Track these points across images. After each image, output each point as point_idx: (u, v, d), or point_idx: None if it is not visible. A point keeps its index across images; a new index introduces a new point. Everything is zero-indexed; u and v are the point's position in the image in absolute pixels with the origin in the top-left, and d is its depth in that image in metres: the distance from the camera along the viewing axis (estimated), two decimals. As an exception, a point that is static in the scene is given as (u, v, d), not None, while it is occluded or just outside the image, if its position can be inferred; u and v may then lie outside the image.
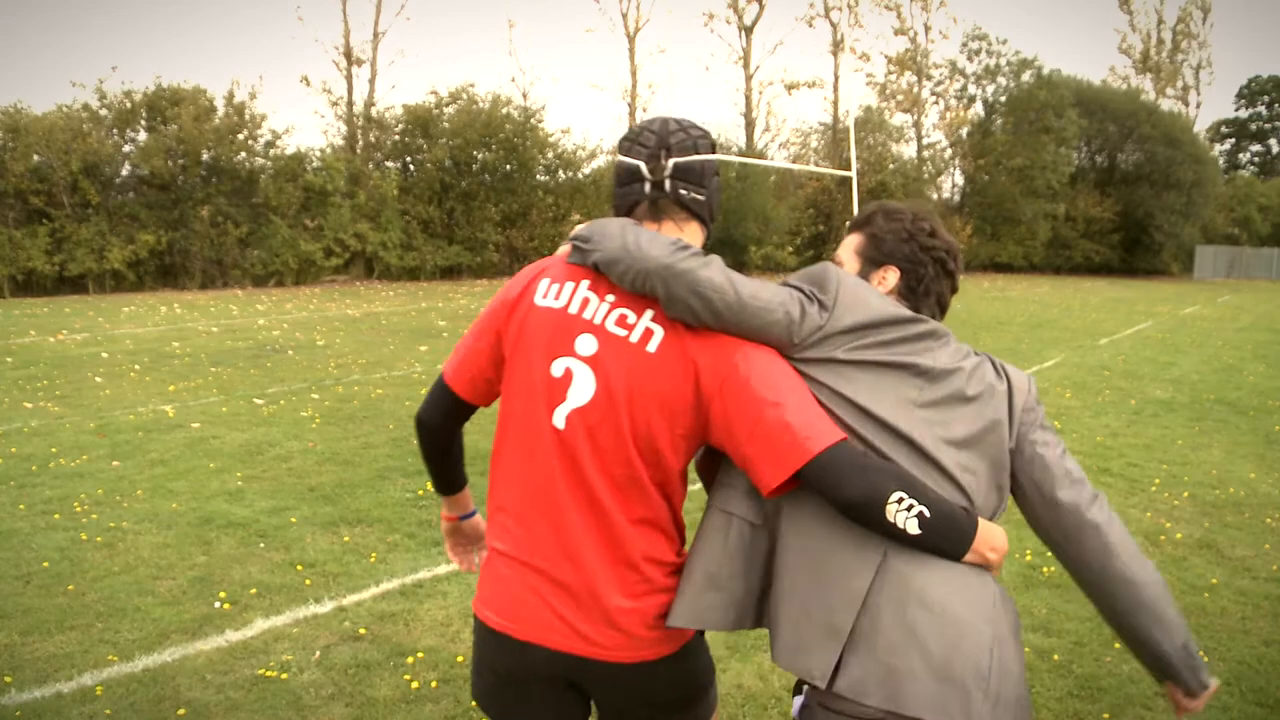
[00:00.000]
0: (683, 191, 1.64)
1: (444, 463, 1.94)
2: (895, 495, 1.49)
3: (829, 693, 1.54)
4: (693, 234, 1.68)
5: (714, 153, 1.69)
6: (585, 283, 1.63)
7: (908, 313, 1.64)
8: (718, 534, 1.67)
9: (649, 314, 1.58)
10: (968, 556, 1.58)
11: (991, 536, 1.62)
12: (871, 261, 1.76)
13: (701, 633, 1.79)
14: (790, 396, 1.53)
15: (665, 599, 1.67)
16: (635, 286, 1.55)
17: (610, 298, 1.60)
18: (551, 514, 1.63)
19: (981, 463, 1.65)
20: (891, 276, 1.74)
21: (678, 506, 1.75)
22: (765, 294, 1.56)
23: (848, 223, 1.84)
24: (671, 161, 1.63)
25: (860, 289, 1.63)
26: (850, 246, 1.80)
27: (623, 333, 1.58)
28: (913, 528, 1.50)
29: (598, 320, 1.60)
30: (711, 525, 1.69)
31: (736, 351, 1.55)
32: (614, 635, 1.63)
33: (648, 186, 1.64)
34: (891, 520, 1.49)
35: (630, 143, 1.68)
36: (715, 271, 1.53)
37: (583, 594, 1.62)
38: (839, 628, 1.54)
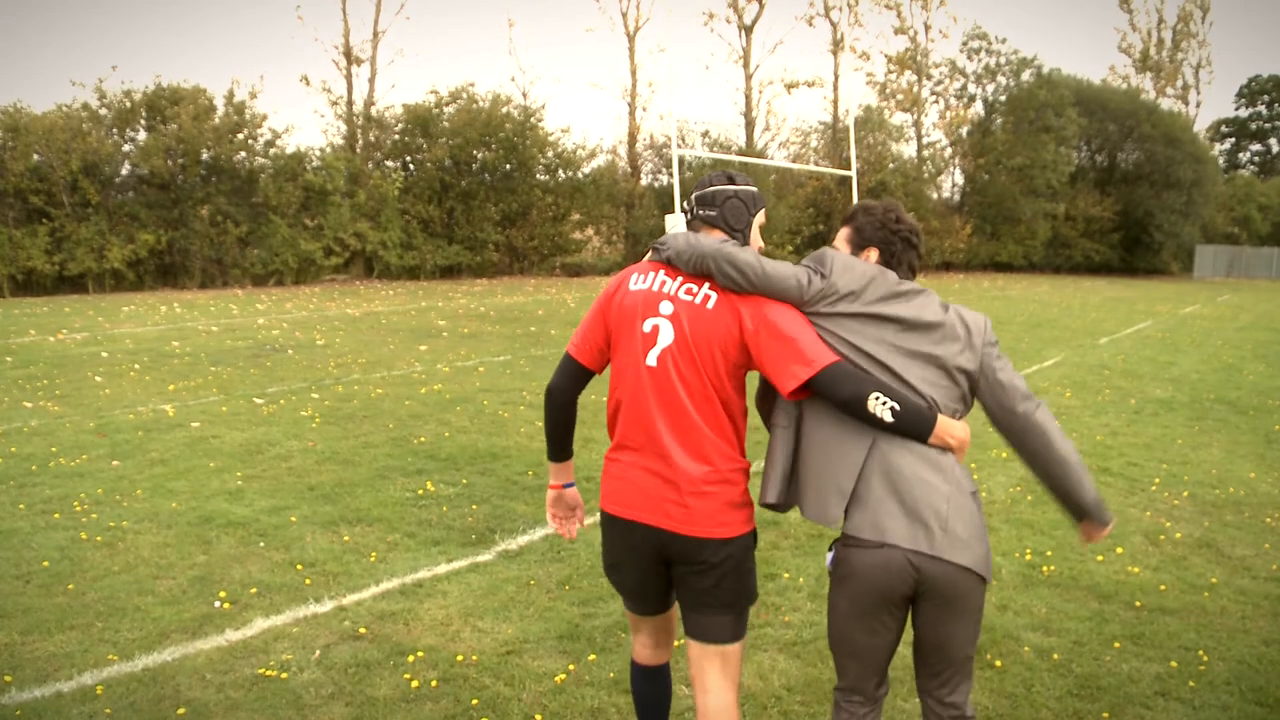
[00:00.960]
0: (699, 212, 2.48)
1: (565, 429, 2.65)
2: (874, 394, 2.21)
3: (843, 535, 2.32)
4: (717, 237, 2.44)
5: (730, 184, 2.48)
6: (661, 271, 2.43)
7: (888, 274, 2.35)
8: (774, 441, 2.46)
9: (706, 285, 2.36)
10: (931, 440, 2.26)
11: (950, 427, 2.28)
12: (857, 245, 2.46)
13: (754, 534, 2.50)
14: (803, 333, 2.28)
15: (731, 493, 2.40)
16: (695, 269, 2.35)
17: (679, 279, 2.39)
18: (650, 429, 2.38)
19: (942, 379, 2.32)
20: (873, 254, 2.43)
21: (740, 425, 2.45)
22: (783, 269, 2.31)
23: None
24: (691, 197, 2.51)
25: (850, 262, 2.36)
26: (842, 237, 2.51)
27: (689, 298, 2.36)
28: (887, 416, 2.21)
29: (671, 292, 2.39)
30: (771, 438, 2.47)
31: (765, 306, 2.30)
32: (691, 516, 2.35)
33: (688, 216, 2.52)
34: (872, 411, 2.21)
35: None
36: (748, 254, 2.32)
37: (672, 484, 2.35)
38: (844, 489, 2.29)
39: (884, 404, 2.21)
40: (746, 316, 2.31)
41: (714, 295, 2.35)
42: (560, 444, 2.70)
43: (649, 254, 2.51)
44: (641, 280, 2.46)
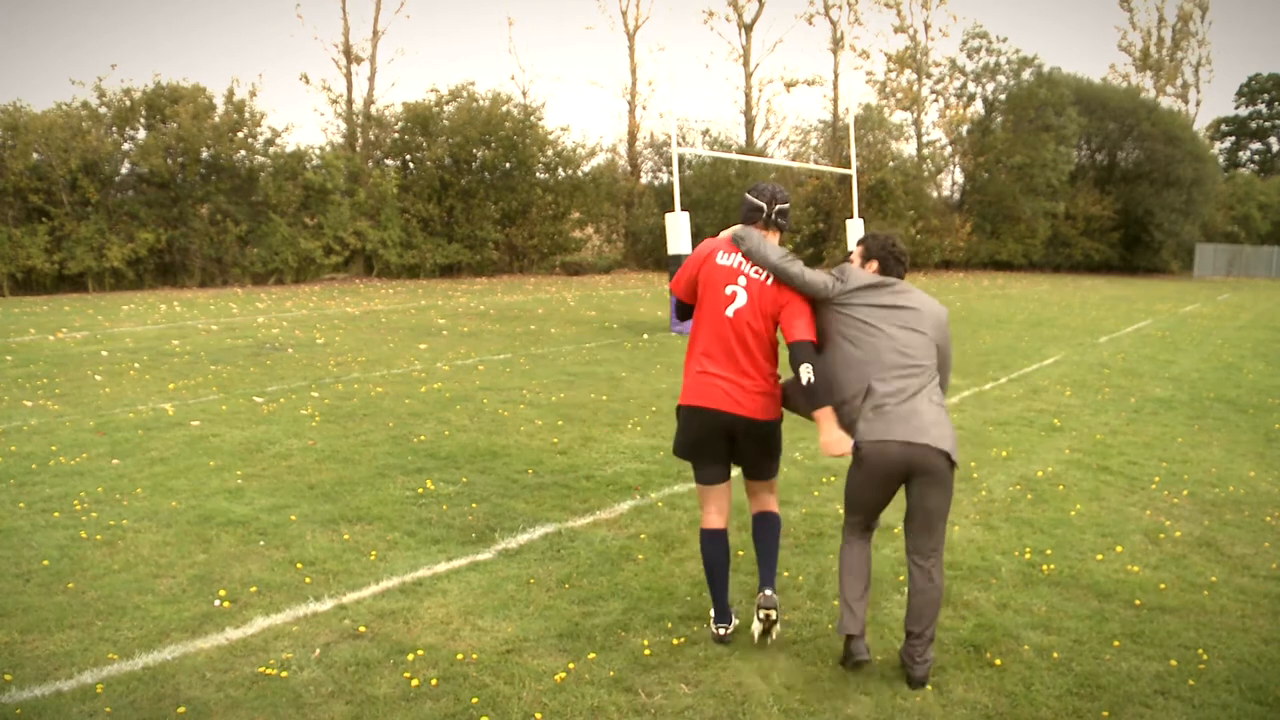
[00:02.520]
0: (777, 220, 3.84)
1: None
2: (804, 365, 3.55)
3: (857, 443, 3.53)
4: (776, 239, 3.84)
5: (788, 200, 3.85)
6: (739, 254, 3.75)
7: (884, 278, 3.69)
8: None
9: (756, 270, 3.69)
10: (815, 414, 3.60)
11: (827, 424, 3.58)
12: (865, 258, 3.82)
13: (783, 417, 3.88)
14: (806, 315, 3.65)
15: (773, 393, 3.77)
16: (759, 263, 3.68)
17: (751, 263, 3.71)
18: (728, 353, 3.71)
19: (916, 339, 3.60)
20: (874, 264, 3.79)
21: (776, 355, 3.77)
22: (819, 277, 3.66)
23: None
24: (777, 207, 3.83)
25: (858, 272, 3.70)
26: (857, 252, 3.87)
27: (758, 277, 3.70)
28: (804, 378, 3.54)
29: (746, 270, 3.72)
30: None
31: (795, 297, 3.67)
32: (751, 405, 3.70)
33: (765, 214, 3.81)
34: (799, 373, 3.56)
35: (756, 192, 3.85)
36: (796, 266, 3.66)
37: (739, 386, 3.70)
38: (855, 417, 3.55)
39: (806, 372, 3.55)
40: (784, 298, 3.70)
41: (771, 278, 3.72)
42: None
43: (728, 236, 3.83)
44: (725, 258, 3.78)
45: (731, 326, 3.70)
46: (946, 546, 4.93)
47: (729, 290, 3.71)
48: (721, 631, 3.85)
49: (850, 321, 3.60)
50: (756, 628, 3.84)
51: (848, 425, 3.55)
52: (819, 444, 3.64)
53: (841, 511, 5.37)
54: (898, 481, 3.55)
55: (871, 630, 3.96)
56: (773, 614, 3.77)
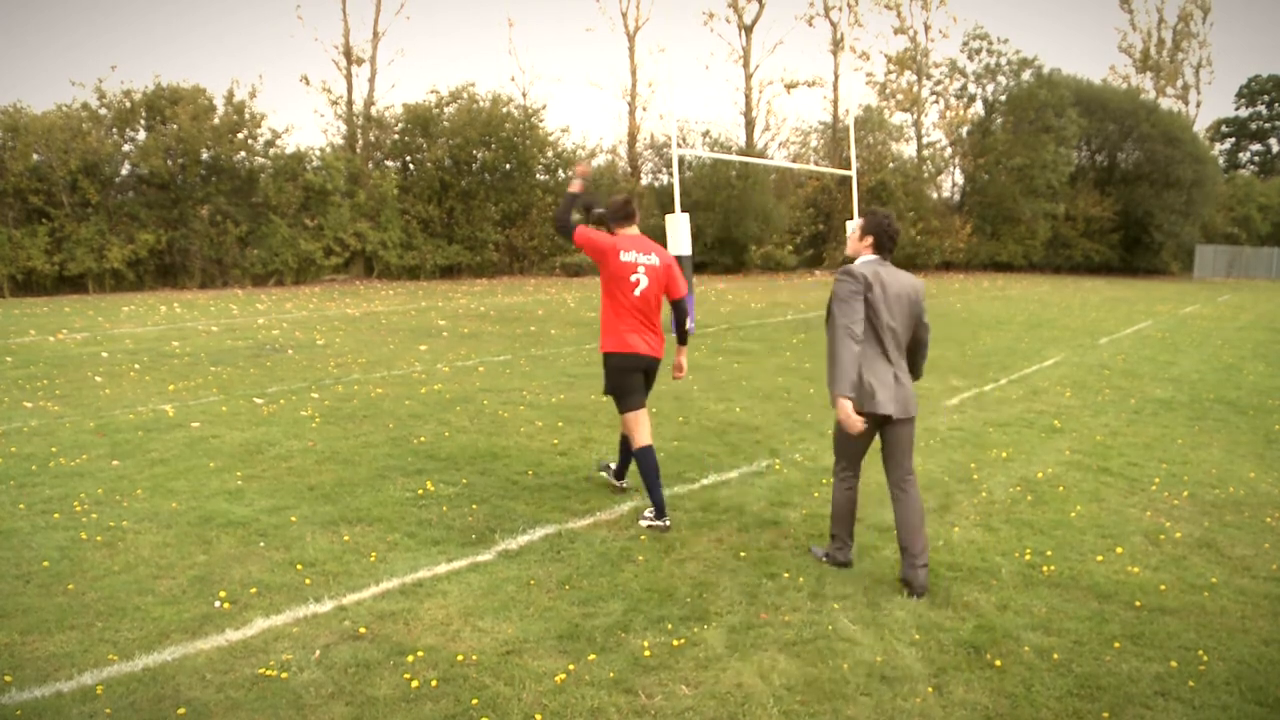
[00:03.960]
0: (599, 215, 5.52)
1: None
2: (685, 315, 5.48)
3: (860, 412, 4.29)
4: (634, 229, 5.47)
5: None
6: (634, 252, 5.20)
7: (880, 261, 4.46)
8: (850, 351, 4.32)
9: (653, 254, 5.22)
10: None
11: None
12: (862, 234, 4.47)
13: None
14: (676, 280, 5.32)
15: (662, 338, 5.32)
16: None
17: (646, 254, 5.21)
18: (640, 318, 5.20)
19: (904, 314, 4.39)
20: (869, 239, 4.46)
21: (660, 313, 5.35)
22: (840, 289, 4.34)
23: (847, 221, 3.97)
24: (596, 211, 5.58)
25: (860, 267, 4.39)
26: (856, 224, 4.52)
27: (653, 264, 5.21)
28: (689, 326, 5.66)
29: (641, 261, 5.18)
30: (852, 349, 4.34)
31: (673, 276, 5.29)
32: (657, 348, 5.23)
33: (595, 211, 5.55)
34: (689, 324, 5.83)
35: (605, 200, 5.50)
36: (839, 285, 4.36)
37: (652, 338, 5.24)
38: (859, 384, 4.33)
39: (689, 320, 5.25)
40: (667, 269, 5.27)
41: (659, 260, 5.24)
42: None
43: (628, 235, 5.33)
44: (626, 255, 5.19)
45: (641, 300, 5.21)
46: (947, 547, 4.94)
47: (633, 278, 5.18)
48: (665, 524, 5.19)
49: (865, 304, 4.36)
50: (602, 473, 6.12)
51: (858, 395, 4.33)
52: (838, 421, 4.33)
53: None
54: (876, 429, 4.50)
55: (871, 629, 3.97)
56: (626, 485, 5.91)
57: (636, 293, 5.16)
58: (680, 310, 5.33)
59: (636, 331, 5.18)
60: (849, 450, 4.54)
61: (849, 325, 4.23)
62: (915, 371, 4.61)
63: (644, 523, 5.20)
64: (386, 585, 4.33)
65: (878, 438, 4.54)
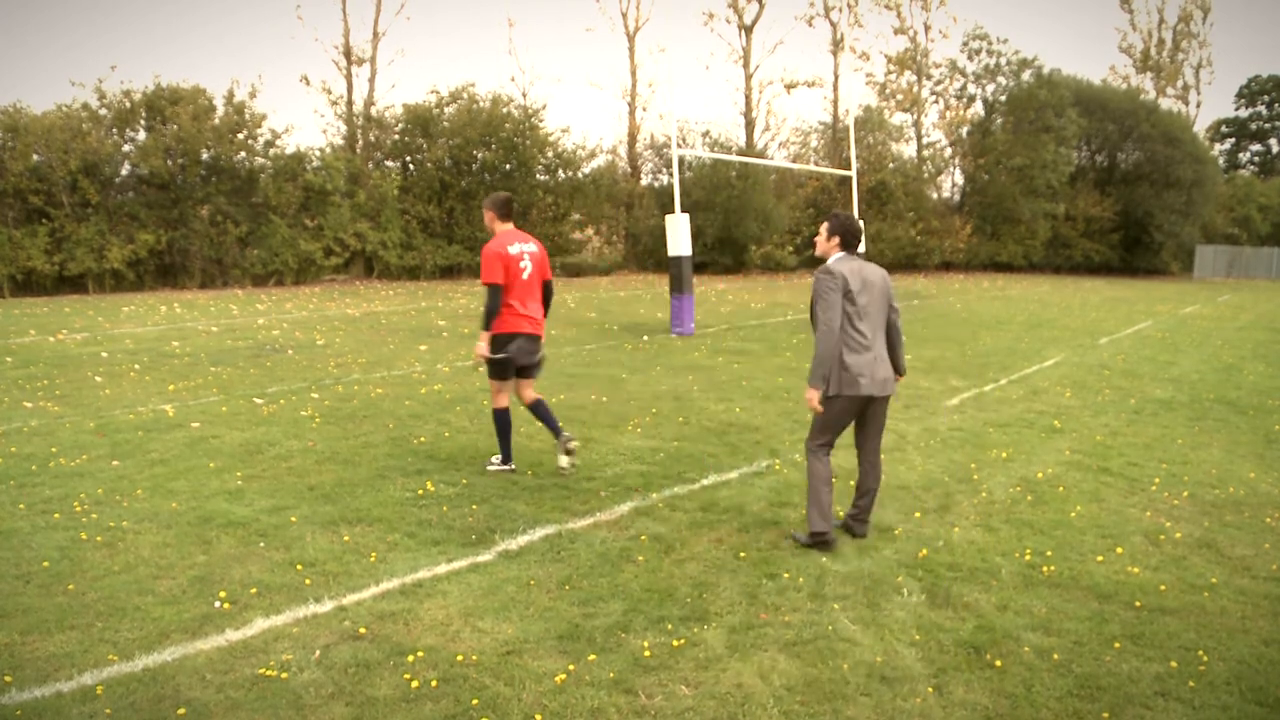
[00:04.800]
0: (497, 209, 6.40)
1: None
2: (547, 294, 6.42)
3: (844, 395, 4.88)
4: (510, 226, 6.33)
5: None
6: (519, 244, 6.13)
7: (850, 257, 4.93)
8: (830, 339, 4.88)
9: (532, 243, 6.22)
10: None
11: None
12: (829, 234, 4.94)
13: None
14: (546, 265, 6.31)
15: (544, 318, 6.33)
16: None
17: (527, 244, 6.18)
18: (528, 300, 6.13)
19: (878, 302, 4.90)
20: (835, 239, 4.93)
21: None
22: (819, 286, 4.84)
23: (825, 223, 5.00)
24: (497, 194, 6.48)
25: (838, 265, 4.86)
26: (824, 227, 4.97)
27: (535, 252, 6.21)
28: (549, 298, 6.43)
29: (526, 250, 6.15)
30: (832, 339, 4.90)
31: (547, 263, 6.32)
32: (539, 328, 6.22)
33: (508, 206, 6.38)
34: (549, 295, 6.41)
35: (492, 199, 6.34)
36: (820, 283, 4.85)
37: (536, 318, 6.19)
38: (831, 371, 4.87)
39: (548, 292, 6.33)
40: (544, 255, 6.23)
41: (535, 249, 6.17)
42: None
43: (511, 233, 6.20)
44: (514, 248, 6.06)
45: (528, 284, 6.13)
46: (947, 547, 4.96)
47: (522, 265, 6.10)
48: (511, 467, 6.34)
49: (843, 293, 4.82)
50: (564, 460, 6.27)
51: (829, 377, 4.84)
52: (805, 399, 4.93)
53: (840, 512, 5.39)
54: (859, 410, 5.00)
55: (871, 630, 3.97)
56: (575, 443, 6.29)
57: (524, 276, 6.08)
58: (550, 291, 6.35)
59: (526, 314, 6.12)
60: (832, 430, 4.98)
61: (831, 320, 4.75)
62: (897, 364, 5.09)
63: (491, 468, 6.33)
64: (386, 585, 4.33)
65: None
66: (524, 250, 6.11)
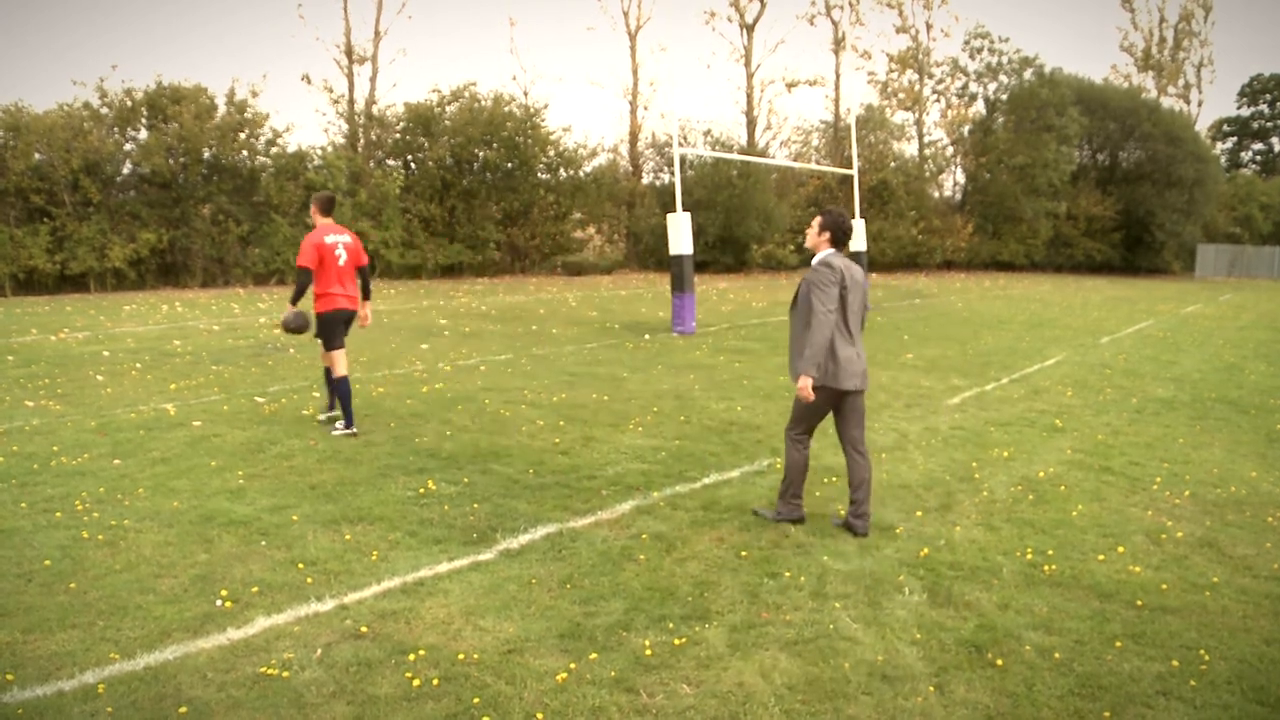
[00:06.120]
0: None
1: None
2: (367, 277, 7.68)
3: (826, 387, 5.07)
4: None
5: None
6: (335, 235, 7.22)
7: (839, 256, 5.08)
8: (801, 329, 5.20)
9: (347, 235, 7.35)
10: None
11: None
12: (820, 230, 5.10)
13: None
14: (362, 253, 7.50)
15: (358, 295, 7.56)
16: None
17: (342, 236, 7.29)
18: (345, 282, 7.25)
19: (860, 300, 5.07)
20: (826, 234, 5.09)
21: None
22: (817, 277, 5.00)
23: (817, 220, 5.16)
24: (320, 195, 7.71)
25: (833, 259, 5.04)
26: (816, 222, 5.15)
27: (348, 240, 7.33)
28: (369, 281, 7.74)
29: (340, 240, 7.25)
30: (798, 329, 5.23)
31: (358, 238, 7.55)
32: (356, 304, 7.43)
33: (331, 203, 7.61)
34: (369, 277, 7.74)
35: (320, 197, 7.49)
36: (815, 277, 5.03)
37: (352, 295, 7.33)
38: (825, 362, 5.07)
39: (366, 276, 7.61)
40: (360, 249, 7.37)
41: (349, 240, 7.29)
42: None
43: (323, 222, 7.29)
44: (330, 239, 7.12)
45: (345, 269, 7.19)
46: (948, 546, 4.96)
47: (337, 253, 7.13)
48: (354, 431, 7.19)
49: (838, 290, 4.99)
50: (323, 415, 7.67)
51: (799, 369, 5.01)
52: (798, 390, 5.01)
53: (842, 511, 5.39)
54: (832, 403, 5.16)
55: (873, 629, 3.97)
56: (336, 413, 7.57)
57: (340, 263, 7.16)
58: (366, 274, 7.49)
59: (344, 294, 7.22)
60: (811, 419, 5.21)
61: (830, 310, 4.89)
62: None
63: (336, 433, 7.16)
64: (388, 584, 4.34)
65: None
66: (339, 240, 7.18)
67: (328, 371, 7.41)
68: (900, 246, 37.25)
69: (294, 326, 7.25)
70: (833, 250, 5.08)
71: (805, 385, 4.93)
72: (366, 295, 7.53)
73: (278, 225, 24.33)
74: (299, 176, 25.26)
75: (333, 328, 7.20)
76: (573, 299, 21.58)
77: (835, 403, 5.14)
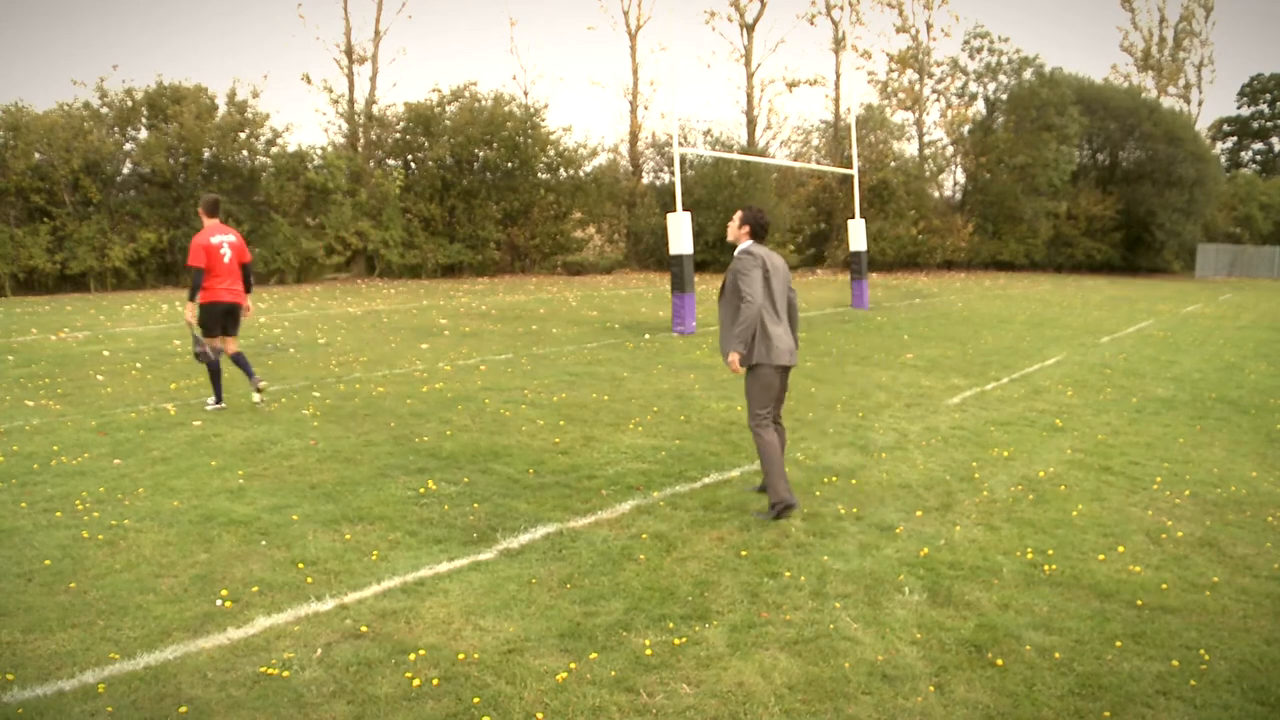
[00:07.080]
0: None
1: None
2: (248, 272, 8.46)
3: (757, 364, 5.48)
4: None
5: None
6: (221, 235, 8.00)
7: (757, 247, 5.53)
8: (728, 312, 5.64)
9: (232, 234, 8.14)
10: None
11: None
12: (741, 224, 5.56)
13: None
14: (246, 250, 8.30)
15: (243, 290, 8.32)
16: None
17: (228, 235, 8.10)
18: (230, 278, 8.07)
19: (782, 284, 5.52)
20: (746, 228, 5.56)
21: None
22: (740, 264, 5.45)
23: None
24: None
25: (754, 249, 5.51)
26: (736, 218, 5.61)
27: (234, 240, 8.13)
28: (250, 276, 8.46)
29: (225, 240, 8.04)
30: (727, 311, 5.64)
31: (242, 237, 8.41)
32: (240, 297, 8.22)
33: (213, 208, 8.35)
34: (249, 276, 8.43)
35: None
36: (738, 264, 5.46)
37: (236, 290, 8.13)
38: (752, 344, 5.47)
39: (248, 274, 8.32)
40: (243, 247, 8.17)
41: (234, 239, 8.10)
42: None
43: (210, 221, 8.04)
44: (216, 238, 7.91)
45: (229, 267, 7.94)
46: (948, 546, 4.98)
47: (223, 252, 7.87)
48: (222, 406, 8.06)
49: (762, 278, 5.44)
50: (255, 396, 8.25)
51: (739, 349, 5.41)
52: (727, 364, 5.43)
53: (841, 510, 5.39)
54: (783, 379, 5.54)
55: (873, 628, 3.97)
56: (264, 383, 8.30)
57: (225, 260, 7.91)
58: (248, 270, 8.19)
59: (226, 287, 7.95)
60: (768, 399, 5.47)
61: (753, 293, 5.30)
62: (796, 334, 5.69)
63: (209, 408, 8.01)
64: (388, 584, 4.34)
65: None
66: (224, 240, 7.95)
67: (237, 358, 8.15)
68: (900, 246, 37.22)
69: (206, 361, 7.98)
70: (752, 242, 5.52)
71: (734, 360, 5.36)
72: (249, 289, 8.24)
73: (278, 225, 24.32)
74: (299, 176, 25.25)
75: (213, 317, 7.98)
76: (573, 299, 21.58)
77: (781, 379, 5.52)
